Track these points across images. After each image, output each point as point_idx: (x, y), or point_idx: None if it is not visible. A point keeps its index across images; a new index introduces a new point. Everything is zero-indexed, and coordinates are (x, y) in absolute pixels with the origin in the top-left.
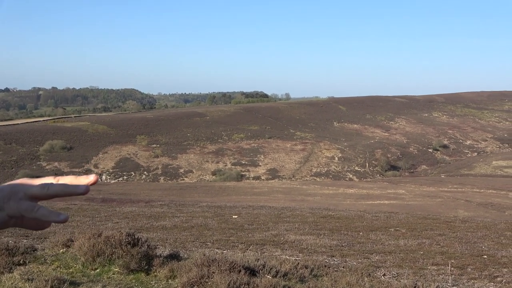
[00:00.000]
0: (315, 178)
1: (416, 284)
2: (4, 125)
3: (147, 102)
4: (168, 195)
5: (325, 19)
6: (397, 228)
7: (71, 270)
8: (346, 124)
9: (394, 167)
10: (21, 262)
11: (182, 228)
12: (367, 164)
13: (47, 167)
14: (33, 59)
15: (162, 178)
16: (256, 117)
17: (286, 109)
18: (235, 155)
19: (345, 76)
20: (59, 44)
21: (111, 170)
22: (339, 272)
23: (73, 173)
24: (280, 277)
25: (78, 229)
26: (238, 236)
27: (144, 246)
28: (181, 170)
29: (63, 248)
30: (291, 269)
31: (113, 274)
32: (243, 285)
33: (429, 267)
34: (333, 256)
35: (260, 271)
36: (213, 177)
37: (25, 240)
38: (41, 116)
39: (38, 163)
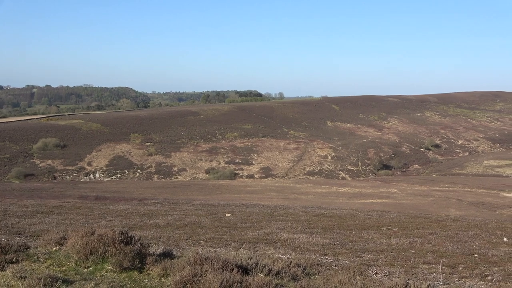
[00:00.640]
0: (308, 176)
1: (407, 282)
2: None
3: (141, 100)
4: (161, 193)
5: (320, 19)
6: (389, 227)
7: (64, 268)
8: (339, 123)
9: (386, 166)
10: (13, 260)
11: (175, 226)
12: (359, 163)
13: (40, 165)
14: (27, 57)
15: (155, 176)
16: (250, 116)
17: (280, 108)
18: (228, 154)
19: (339, 75)
20: (54, 42)
21: (104, 168)
22: (331, 271)
23: (67, 171)
24: (272, 275)
25: (71, 227)
26: (231, 235)
27: (137, 244)
28: (175, 169)
29: (56, 246)
30: (283, 268)
31: (106, 272)
32: (236, 284)
33: (420, 266)
34: (326, 255)
35: (253, 270)
36: (207, 175)
37: (18, 238)
38: (35, 114)
39: (32, 160)
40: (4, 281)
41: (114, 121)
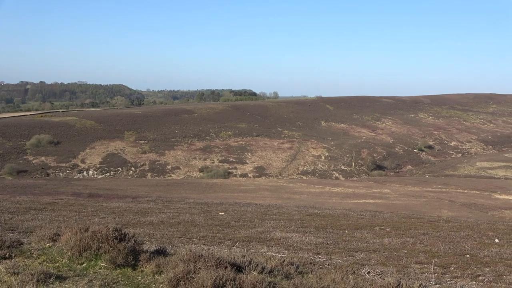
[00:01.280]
0: (301, 176)
1: (399, 282)
2: None
3: (136, 98)
4: (155, 191)
5: (314, 20)
6: (382, 227)
7: (57, 264)
8: (333, 123)
9: (379, 167)
10: (6, 256)
11: (169, 224)
12: (353, 163)
13: (33, 162)
14: (21, 53)
15: (149, 174)
16: (244, 115)
17: (274, 108)
18: (222, 153)
19: (333, 76)
20: (48, 38)
21: (98, 166)
22: (324, 270)
23: (60, 168)
24: (266, 273)
25: (65, 223)
26: (224, 233)
27: (131, 241)
28: (169, 167)
29: (49, 242)
30: (277, 266)
31: (100, 268)
32: (229, 281)
33: (412, 266)
34: (319, 254)
35: (246, 268)
36: (200, 174)
37: (11, 234)
38: (29, 110)
39: (25, 157)
40: None
41: (108, 119)
